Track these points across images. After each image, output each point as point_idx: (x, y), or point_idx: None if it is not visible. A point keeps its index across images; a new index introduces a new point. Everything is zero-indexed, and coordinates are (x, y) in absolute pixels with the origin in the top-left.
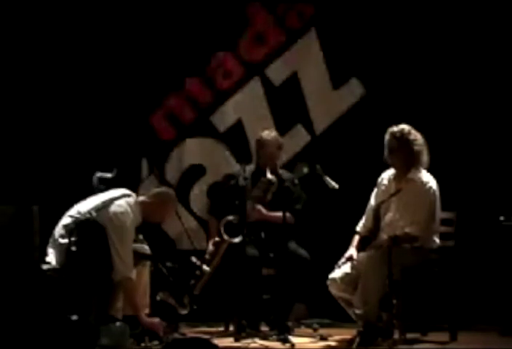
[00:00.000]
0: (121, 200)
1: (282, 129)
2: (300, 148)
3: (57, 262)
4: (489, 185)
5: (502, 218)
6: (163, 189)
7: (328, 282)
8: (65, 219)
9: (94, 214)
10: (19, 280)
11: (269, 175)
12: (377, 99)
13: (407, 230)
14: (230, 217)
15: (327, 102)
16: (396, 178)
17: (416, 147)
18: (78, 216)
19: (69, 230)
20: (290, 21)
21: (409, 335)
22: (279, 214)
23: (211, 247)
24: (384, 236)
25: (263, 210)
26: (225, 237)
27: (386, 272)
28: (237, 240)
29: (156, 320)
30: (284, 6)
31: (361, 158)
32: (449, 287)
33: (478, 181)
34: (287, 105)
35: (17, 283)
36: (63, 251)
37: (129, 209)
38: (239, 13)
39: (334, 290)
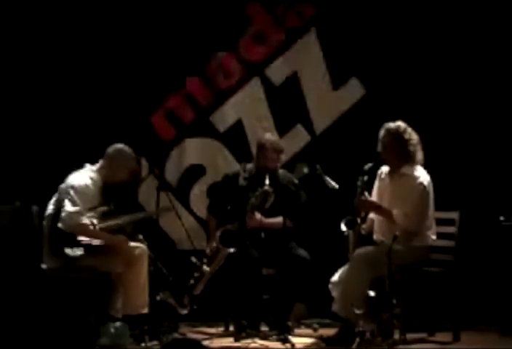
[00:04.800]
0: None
1: (282, 129)
2: (300, 148)
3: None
4: (489, 186)
5: (502, 218)
6: (111, 146)
7: (330, 286)
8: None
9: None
10: (19, 279)
11: (267, 186)
12: (377, 100)
13: (399, 221)
14: (228, 226)
15: (327, 102)
16: (390, 173)
17: (410, 148)
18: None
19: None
20: (290, 21)
21: (415, 335)
22: (277, 220)
23: (208, 250)
24: (379, 236)
25: (262, 219)
26: (220, 247)
27: (370, 272)
28: (232, 250)
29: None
30: (283, 6)
31: (361, 158)
32: (451, 287)
33: (478, 181)
34: (287, 105)
35: (17, 283)
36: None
37: (76, 175)
38: (239, 13)
39: (335, 292)
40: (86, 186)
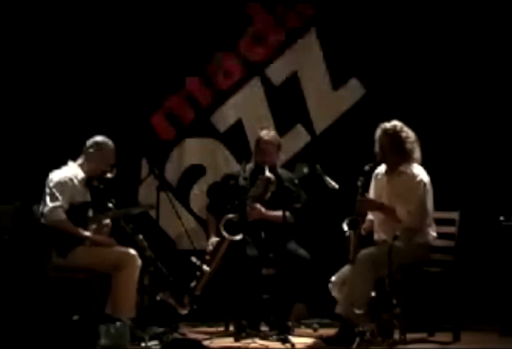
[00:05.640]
0: None
1: (282, 129)
2: (300, 148)
3: None
4: (489, 186)
5: (502, 218)
6: (90, 139)
7: (330, 285)
8: None
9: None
10: (19, 279)
11: (267, 173)
12: (377, 100)
13: (403, 219)
14: (230, 216)
15: (327, 102)
16: (387, 172)
17: (408, 145)
18: None
19: None
20: (290, 21)
21: (415, 335)
22: (279, 213)
23: (210, 247)
24: (381, 234)
25: (262, 209)
26: (225, 235)
27: (375, 273)
28: (237, 238)
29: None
30: (283, 6)
31: (361, 158)
32: (451, 287)
33: (478, 181)
34: (287, 105)
35: (18, 283)
36: None
37: (58, 171)
38: (239, 13)
39: (335, 293)
40: (66, 180)
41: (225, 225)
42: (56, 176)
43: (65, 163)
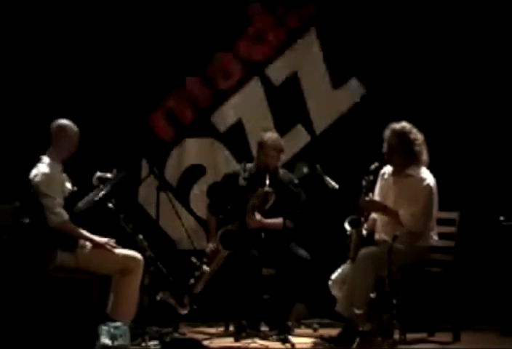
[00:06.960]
0: None
1: (282, 129)
2: (300, 148)
3: None
4: (489, 186)
5: (502, 218)
6: (55, 126)
7: (330, 283)
8: None
9: None
10: (19, 280)
11: (267, 187)
12: (378, 99)
13: (405, 222)
14: (229, 226)
15: (327, 102)
16: (395, 173)
17: (416, 148)
18: None
19: None
20: (290, 21)
21: (415, 335)
22: (278, 220)
23: (208, 250)
24: (382, 235)
25: (262, 219)
26: (221, 248)
27: (376, 272)
28: (233, 251)
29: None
30: (283, 6)
31: (361, 158)
32: (451, 287)
33: (478, 181)
34: (287, 105)
35: (17, 283)
36: None
37: (35, 170)
38: (239, 13)
39: (335, 291)
40: (53, 177)
41: (224, 235)
42: (38, 176)
43: (64, 163)
